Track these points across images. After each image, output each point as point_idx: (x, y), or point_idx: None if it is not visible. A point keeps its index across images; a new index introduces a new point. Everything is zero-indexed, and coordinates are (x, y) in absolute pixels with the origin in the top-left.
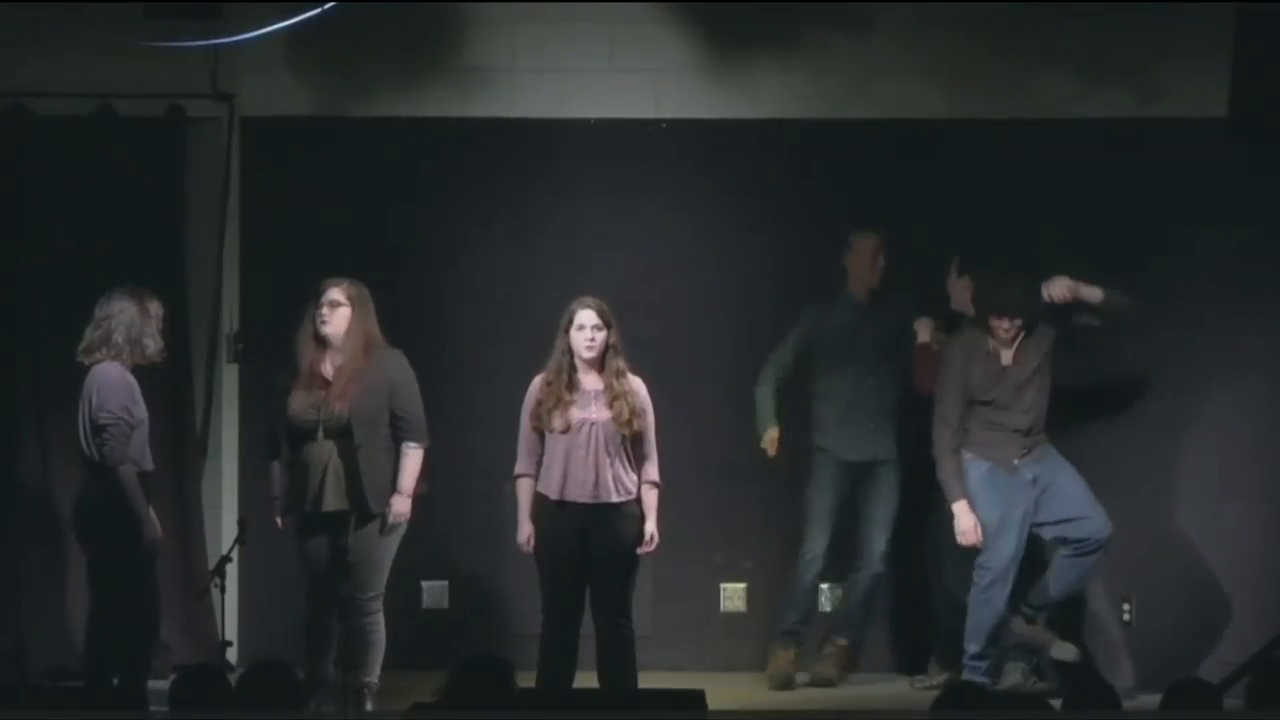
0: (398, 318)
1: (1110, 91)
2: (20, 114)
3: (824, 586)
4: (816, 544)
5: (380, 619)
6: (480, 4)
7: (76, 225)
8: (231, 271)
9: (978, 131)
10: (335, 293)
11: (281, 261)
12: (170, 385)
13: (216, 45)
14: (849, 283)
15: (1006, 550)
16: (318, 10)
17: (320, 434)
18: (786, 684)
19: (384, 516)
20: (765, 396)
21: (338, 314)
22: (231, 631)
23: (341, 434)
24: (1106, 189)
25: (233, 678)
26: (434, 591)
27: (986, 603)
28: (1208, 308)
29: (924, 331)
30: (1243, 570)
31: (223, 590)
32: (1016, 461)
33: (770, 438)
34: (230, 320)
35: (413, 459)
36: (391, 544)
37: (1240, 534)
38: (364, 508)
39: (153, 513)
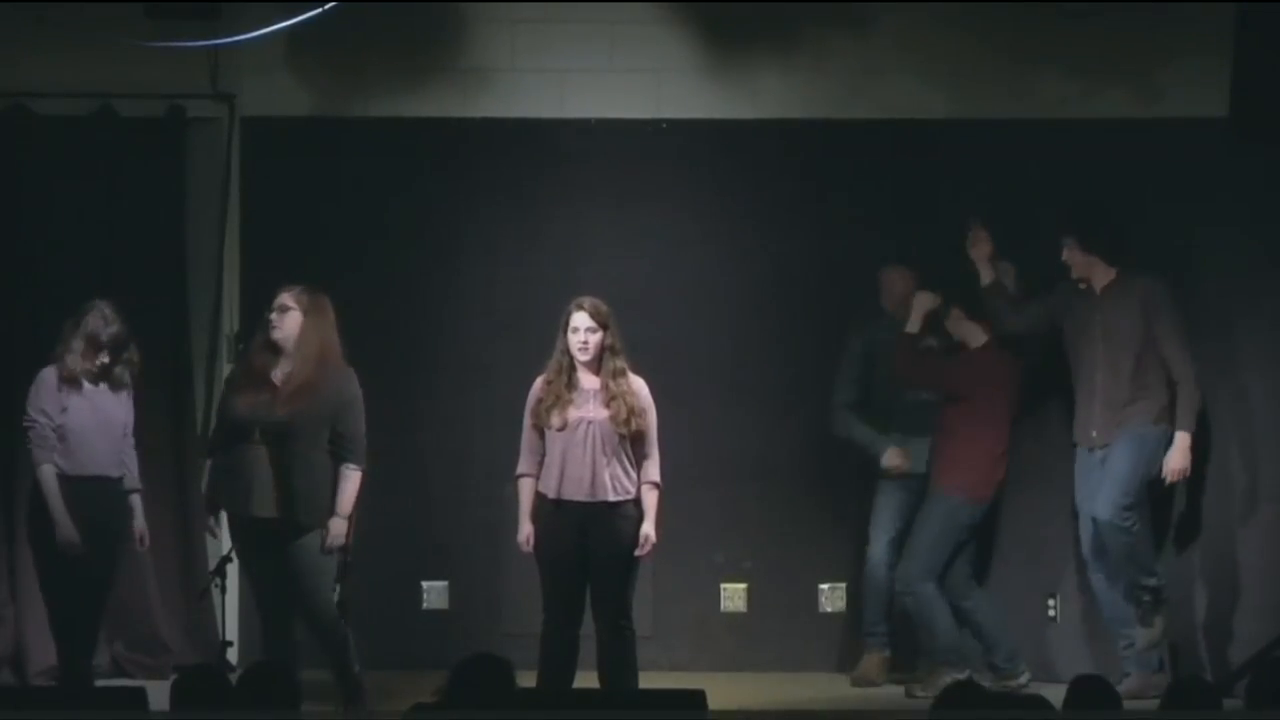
0: (397, 318)
1: (1110, 91)
2: (20, 114)
3: (823, 587)
4: (876, 544)
5: (334, 614)
6: (480, 4)
7: (76, 225)
8: (231, 271)
9: (978, 131)
10: (286, 297)
11: (281, 261)
12: (170, 385)
13: (216, 45)
14: (887, 302)
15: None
16: (318, 10)
17: (256, 436)
18: (868, 685)
19: (323, 535)
20: (855, 426)
21: (287, 319)
22: (231, 631)
23: (277, 440)
24: (1106, 189)
25: (233, 678)
26: (434, 591)
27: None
28: (1208, 307)
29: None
30: (1244, 570)
31: (223, 590)
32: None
33: (894, 458)
34: (230, 320)
35: (352, 481)
36: (330, 562)
37: (1241, 534)
38: (293, 518)
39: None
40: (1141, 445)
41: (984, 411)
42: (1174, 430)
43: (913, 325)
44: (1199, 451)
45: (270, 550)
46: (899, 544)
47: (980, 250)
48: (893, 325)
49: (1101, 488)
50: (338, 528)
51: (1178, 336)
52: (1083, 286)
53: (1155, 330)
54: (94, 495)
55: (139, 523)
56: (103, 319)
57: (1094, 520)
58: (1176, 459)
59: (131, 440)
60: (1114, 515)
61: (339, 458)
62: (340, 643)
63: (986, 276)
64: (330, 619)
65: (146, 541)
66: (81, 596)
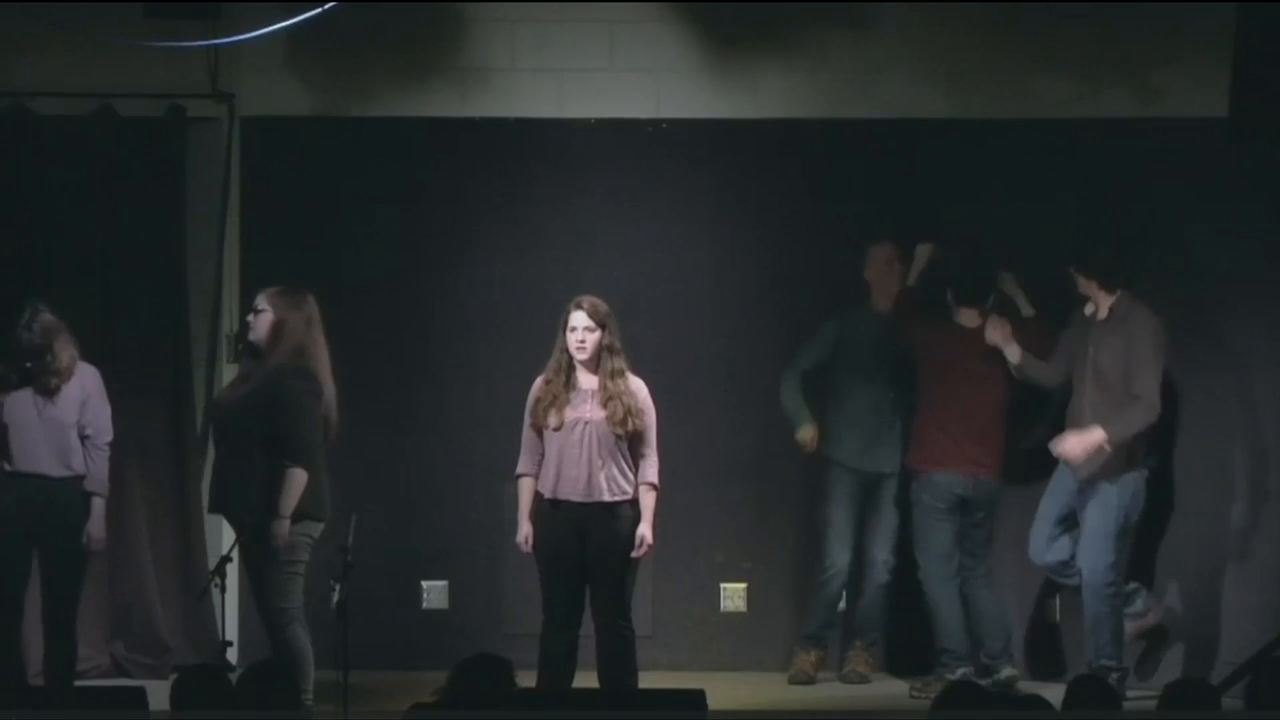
0: (397, 318)
1: (1110, 91)
2: (20, 114)
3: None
4: (839, 558)
5: (290, 632)
6: (480, 4)
7: (76, 225)
8: (231, 271)
9: (978, 131)
10: (260, 299)
11: (281, 261)
12: (170, 385)
13: (216, 45)
14: (873, 295)
15: None
16: (318, 10)
17: (211, 434)
18: (807, 682)
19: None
20: (791, 395)
21: (260, 320)
22: (231, 631)
23: (219, 437)
24: (1107, 189)
25: (233, 678)
26: (434, 591)
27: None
28: (1208, 307)
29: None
30: (1244, 570)
31: (223, 590)
32: None
33: (806, 434)
34: (230, 320)
35: (292, 481)
36: (283, 565)
37: (1241, 533)
38: (229, 515)
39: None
40: (1116, 497)
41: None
42: (1144, 470)
43: (912, 278)
44: (1164, 489)
45: (241, 548)
46: (856, 549)
47: (1001, 333)
48: (868, 314)
49: (1084, 549)
50: (277, 528)
51: (1149, 366)
52: (1089, 311)
53: (1130, 358)
54: (29, 493)
55: (92, 525)
56: (19, 324)
57: (1082, 584)
58: (1076, 441)
59: (100, 442)
60: (1101, 577)
61: (283, 457)
62: (290, 657)
63: (1014, 357)
64: (280, 626)
65: (94, 546)
66: (10, 594)
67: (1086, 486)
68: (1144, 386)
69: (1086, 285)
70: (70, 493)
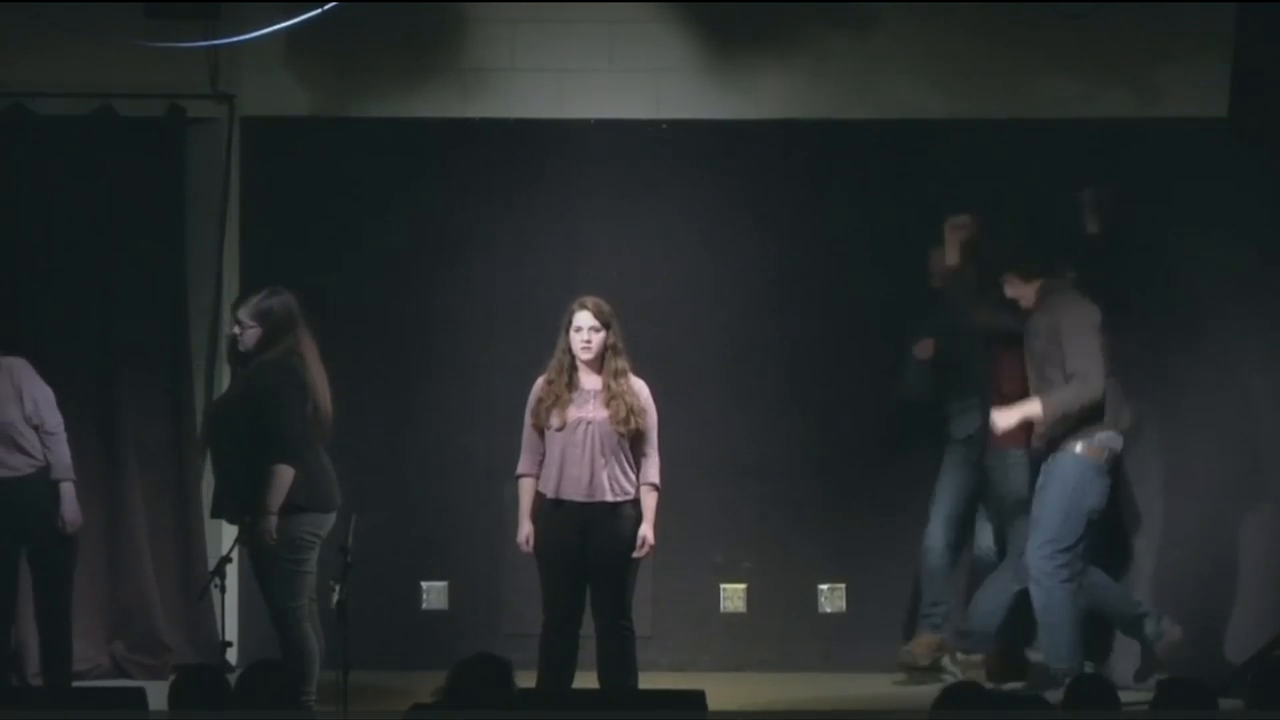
0: (397, 318)
1: (1110, 91)
2: (20, 114)
3: (822, 587)
4: (935, 525)
5: (301, 631)
6: (480, 4)
7: (76, 225)
8: (231, 271)
9: (978, 131)
10: (242, 314)
11: (281, 261)
12: (170, 385)
13: (216, 45)
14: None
15: None
16: (318, 10)
17: (206, 440)
18: (916, 666)
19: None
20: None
21: (248, 334)
22: (231, 631)
23: (212, 442)
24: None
25: (233, 678)
26: (434, 591)
27: None
28: (1208, 307)
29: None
30: (1243, 570)
31: (223, 590)
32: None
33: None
34: (230, 320)
35: (277, 477)
36: (290, 562)
37: (1240, 534)
38: (230, 518)
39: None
40: (1066, 481)
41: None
42: (1107, 461)
43: (950, 257)
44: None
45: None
46: (956, 523)
47: (958, 235)
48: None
49: (1031, 534)
50: (263, 525)
51: (1081, 343)
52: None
53: (1061, 338)
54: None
55: (65, 509)
56: None
57: (1029, 573)
58: (1005, 416)
59: (51, 428)
60: (1044, 563)
61: (268, 455)
62: (298, 657)
63: (952, 258)
64: (288, 627)
65: (70, 529)
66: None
67: (996, 460)
68: (1077, 363)
69: (1010, 284)
70: (39, 486)
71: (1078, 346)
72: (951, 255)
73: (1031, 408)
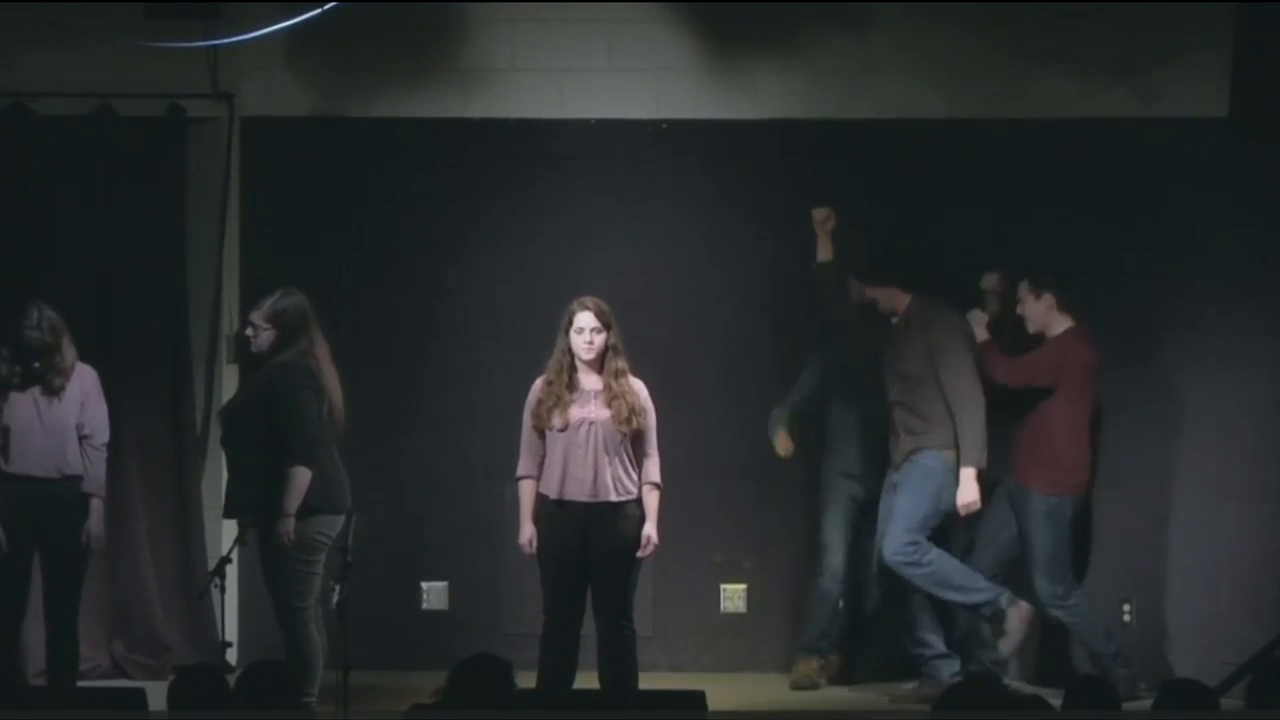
0: (397, 318)
1: (1110, 91)
2: (20, 114)
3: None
4: (835, 559)
5: (304, 633)
6: (480, 4)
7: (76, 225)
8: (231, 271)
9: (978, 131)
10: (256, 317)
11: (281, 261)
12: (170, 385)
13: (216, 45)
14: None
15: None
16: (318, 10)
17: (221, 440)
18: (810, 688)
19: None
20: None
21: (261, 336)
22: (231, 631)
23: (227, 442)
24: (1106, 189)
25: (232, 678)
26: (434, 591)
27: None
28: (1208, 307)
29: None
30: (1243, 570)
31: (223, 590)
32: None
33: (781, 440)
34: (230, 320)
35: (295, 479)
36: (299, 563)
37: (1240, 534)
38: (243, 518)
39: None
40: (925, 478)
41: (1073, 399)
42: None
43: (822, 252)
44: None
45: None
46: (852, 557)
47: (826, 225)
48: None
49: (887, 526)
50: (282, 527)
51: (956, 370)
52: (894, 320)
53: (936, 362)
54: (26, 496)
55: (91, 524)
56: (27, 324)
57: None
58: (964, 494)
59: (98, 442)
60: (897, 551)
61: (283, 456)
62: (300, 657)
63: (824, 253)
64: (294, 626)
65: (94, 545)
66: (12, 595)
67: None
68: (956, 387)
69: (878, 293)
70: (69, 494)
71: (954, 369)
72: (823, 250)
73: (969, 471)
